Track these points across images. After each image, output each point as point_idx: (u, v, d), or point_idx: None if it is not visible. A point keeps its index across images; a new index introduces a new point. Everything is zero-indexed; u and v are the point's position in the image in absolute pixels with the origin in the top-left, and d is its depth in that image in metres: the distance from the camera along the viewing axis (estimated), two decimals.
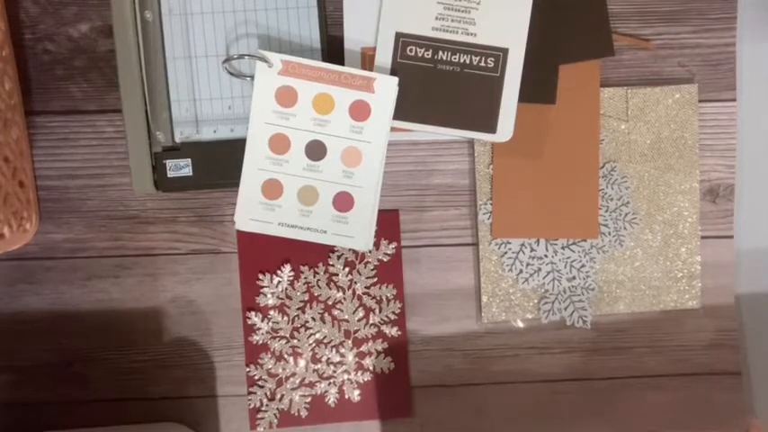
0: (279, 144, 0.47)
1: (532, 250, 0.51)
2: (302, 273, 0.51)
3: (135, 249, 0.51)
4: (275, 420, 0.52)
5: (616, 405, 0.53)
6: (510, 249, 0.51)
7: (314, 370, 0.51)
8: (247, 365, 0.52)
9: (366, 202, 0.47)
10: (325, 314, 0.51)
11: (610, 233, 0.51)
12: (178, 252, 0.52)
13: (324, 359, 0.51)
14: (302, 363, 0.51)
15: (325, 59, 0.48)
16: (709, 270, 0.52)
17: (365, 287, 0.51)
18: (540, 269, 0.51)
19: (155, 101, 0.48)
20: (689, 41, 0.51)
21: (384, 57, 0.48)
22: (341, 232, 0.48)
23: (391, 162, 0.51)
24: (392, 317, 0.51)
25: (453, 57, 0.48)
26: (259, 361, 0.51)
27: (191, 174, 0.49)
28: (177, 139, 0.49)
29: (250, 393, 0.52)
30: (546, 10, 0.48)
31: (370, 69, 0.48)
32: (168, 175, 0.49)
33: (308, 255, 0.51)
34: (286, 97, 0.46)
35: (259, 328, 0.51)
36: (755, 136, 0.53)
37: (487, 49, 0.48)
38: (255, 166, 0.47)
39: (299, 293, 0.51)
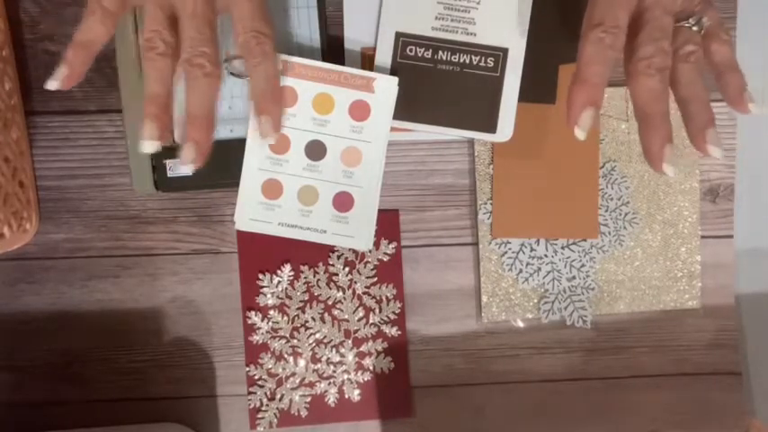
0: (279, 144, 0.47)
1: (532, 250, 0.51)
2: (302, 273, 0.51)
3: (135, 249, 0.51)
4: (275, 420, 0.52)
5: (616, 405, 0.53)
6: (510, 249, 0.51)
7: (314, 370, 0.51)
8: (247, 365, 0.52)
9: (366, 202, 0.47)
10: (325, 314, 0.51)
11: (610, 233, 0.51)
12: (178, 252, 0.52)
13: (324, 359, 0.51)
14: (302, 363, 0.51)
15: (325, 59, 0.48)
16: (709, 270, 0.52)
17: (365, 287, 0.51)
18: (540, 269, 0.51)
19: None
20: None
21: (384, 57, 0.48)
22: (341, 232, 0.48)
23: (391, 162, 0.51)
24: (392, 317, 0.51)
25: (453, 57, 0.48)
26: (259, 361, 0.51)
27: (191, 174, 0.49)
28: (177, 139, 0.49)
29: (250, 393, 0.52)
30: (546, 10, 0.48)
31: (370, 69, 0.48)
32: (168, 175, 0.49)
33: (308, 255, 0.51)
34: (286, 97, 0.46)
35: (259, 328, 0.51)
36: (755, 136, 0.53)
37: (487, 49, 0.48)
38: (255, 166, 0.47)
39: (299, 293, 0.51)
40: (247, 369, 0.52)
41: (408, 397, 0.52)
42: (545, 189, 0.50)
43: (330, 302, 0.51)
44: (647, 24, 0.37)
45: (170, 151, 0.49)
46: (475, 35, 0.48)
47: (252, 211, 0.47)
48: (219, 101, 0.39)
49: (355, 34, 0.49)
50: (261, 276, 0.51)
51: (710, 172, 0.52)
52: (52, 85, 0.38)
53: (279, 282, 0.51)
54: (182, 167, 0.39)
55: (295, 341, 0.51)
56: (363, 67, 0.48)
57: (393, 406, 0.52)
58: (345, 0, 0.49)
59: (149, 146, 0.38)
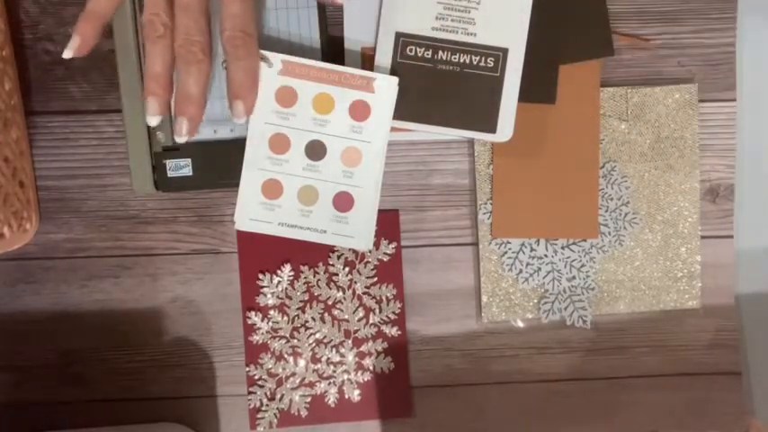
0: (279, 144, 0.47)
1: (532, 250, 0.51)
2: (302, 273, 0.51)
3: (135, 249, 0.51)
4: (275, 420, 0.52)
5: (616, 405, 0.53)
6: (510, 249, 0.51)
7: (314, 370, 0.51)
8: (247, 365, 0.52)
9: (366, 202, 0.47)
10: (325, 314, 0.51)
11: (610, 233, 0.51)
12: (178, 252, 0.52)
13: (324, 359, 0.51)
14: (302, 363, 0.51)
15: (325, 59, 0.48)
16: (709, 270, 0.52)
17: (365, 287, 0.51)
18: (540, 269, 0.51)
19: None
20: (689, 41, 0.51)
21: (384, 56, 0.48)
22: (341, 232, 0.48)
23: (391, 162, 0.51)
24: (392, 317, 0.51)
25: (453, 57, 0.48)
26: (259, 361, 0.51)
27: (191, 174, 0.49)
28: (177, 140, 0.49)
29: (250, 393, 0.52)
30: (546, 10, 0.48)
31: (370, 69, 0.48)
32: (168, 175, 0.49)
33: (308, 255, 0.51)
34: (286, 97, 0.46)
35: (259, 328, 0.51)
36: (755, 136, 0.53)
37: (487, 49, 0.48)
38: (255, 166, 0.47)
39: (299, 293, 0.51)
40: (247, 369, 0.52)
41: (408, 397, 0.52)
42: (545, 189, 0.50)
43: (330, 302, 0.51)
44: None
45: (170, 152, 0.49)
46: (475, 35, 0.48)
47: (252, 211, 0.47)
48: (209, 84, 0.43)
49: (355, 34, 0.49)
50: (261, 276, 0.51)
51: (710, 172, 0.52)
52: (67, 53, 0.40)
53: (279, 282, 0.51)
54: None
55: (295, 341, 0.51)
56: (363, 67, 0.48)
57: (393, 406, 0.52)
58: (345, 0, 0.49)
59: (153, 120, 0.42)
